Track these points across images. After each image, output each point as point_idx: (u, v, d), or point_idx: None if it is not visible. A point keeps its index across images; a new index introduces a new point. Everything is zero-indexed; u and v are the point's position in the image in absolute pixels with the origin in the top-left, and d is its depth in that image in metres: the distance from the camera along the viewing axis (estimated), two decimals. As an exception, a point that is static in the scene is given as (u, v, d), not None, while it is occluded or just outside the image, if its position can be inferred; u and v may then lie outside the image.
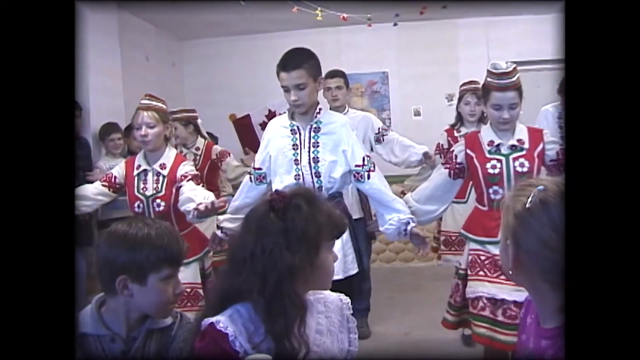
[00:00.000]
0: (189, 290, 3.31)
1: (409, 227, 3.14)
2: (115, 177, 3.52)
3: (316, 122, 3.18)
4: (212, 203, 2.99)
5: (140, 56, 6.78)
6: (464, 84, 4.78)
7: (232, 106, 7.27)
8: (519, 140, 3.16)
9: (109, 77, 5.66)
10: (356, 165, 3.16)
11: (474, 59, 7.05)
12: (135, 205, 3.43)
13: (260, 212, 1.69)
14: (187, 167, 3.44)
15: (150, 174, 3.44)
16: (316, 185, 3.15)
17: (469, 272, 3.24)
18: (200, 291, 3.39)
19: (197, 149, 5.02)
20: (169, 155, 3.47)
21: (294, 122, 3.22)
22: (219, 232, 3.41)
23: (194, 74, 7.97)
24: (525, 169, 3.10)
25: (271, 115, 6.47)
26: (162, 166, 3.43)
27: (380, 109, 7.65)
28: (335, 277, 3.01)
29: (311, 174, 3.16)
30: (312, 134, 3.18)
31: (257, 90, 7.33)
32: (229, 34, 7.70)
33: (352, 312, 1.87)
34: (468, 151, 3.24)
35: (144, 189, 3.42)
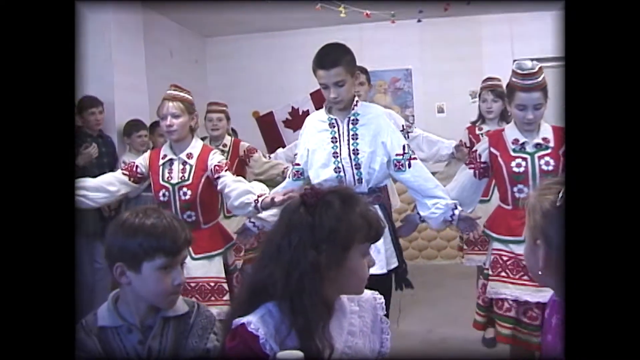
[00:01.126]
0: (212, 284, 3.34)
1: (456, 212, 3.14)
2: (137, 166, 3.50)
3: (354, 115, 3.20)
4: (273, 199, 3.06)
5: (164, 53, 6.82)
6: (483, 81, 4.76)
7: (255, 103, 7.28)
8: (544, 139, 3.13)
9: (134, 75, 5.70)
10: (397, 154, 3.16)
11: (497, 55, 7.00)
12: (161, 194, 3.41)
13: (292, 206, 1.67)
14: (218, 157, 3.45)
15: (176, 163, 3.43)
16: (356, 177, 3.16)
17: (490, 272, 3.23)
18: (225, 285, 3.39)
19: (225, 145, 5.03)
20: (196, 145, 3.47)
21: (331, 116, 3.24)
22: (247, 222, 3.45)
23: (217, 71, 8.00)
24: (550, 168, 3.07)
25: (294, 112, 6.48)
26: (189, 155, 3.42)
27: (403, 106, 7.63)
28: (379, 272, 3.08)
29: (351, 166, 3.17)
30: (351, 126, 3.19)
31: (280, 87, 7.34)
32: (251, 32, 7.71)
33: (385, 312, 1.83)
34: (492, 149, 3.22)
35: (169, 178, 3.41)
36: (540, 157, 3.11)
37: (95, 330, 1.87)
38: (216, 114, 5.05)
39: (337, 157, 3.19)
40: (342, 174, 3.18)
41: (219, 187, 3.36)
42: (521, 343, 3.08)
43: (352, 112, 3.20)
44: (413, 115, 7.61)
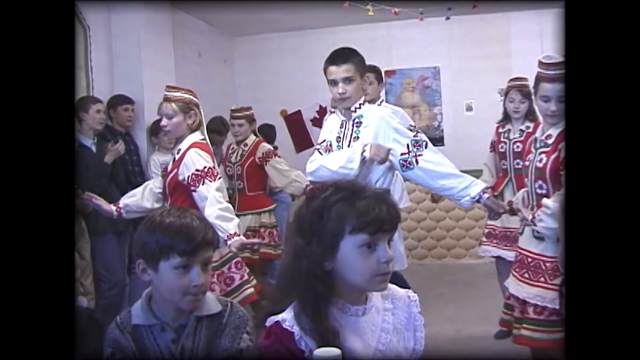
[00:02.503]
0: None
1: (484, 195, 3.12)
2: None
3: (358, 117, 3.25)
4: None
5: (192, 53, 6.86)
6: (510, 80, 4.71)
7: (283, 102, 7.30)
8: (547, 136, 3.04)
9: (163, 74, 5.74)
10: (402, 154, 3.16)
11: (527, 53, 6.92)
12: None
13: (297, 204, 1.70)
14: (195, 158, 3.38)
15: (171, 159, 3.60)
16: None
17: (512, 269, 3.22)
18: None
19: (245, 144, 5.13)
20: (186, 142, 3.51)
21: (342, 117, 3.32)
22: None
23: (245, 71, 8.02)
24: (543, 165, 3.01)
25: (322, 111, 6.50)
26: (178, 151, 3.53)
27: (431, 104, 7.59)
28: (401, 268, 3.15)
29: None
30: (354, 128, 3.23)
31: (307, 86, 7.34)
32: (279, 31, 7.72)
33: (419, 310, 1.78)
34: (525, 146, 3.24)
35: (164, 172, 3.65)
36: (540, 153, 3.05)
37: (129, 328, 1.88)
38: (237, 120, 5.18)
39: None
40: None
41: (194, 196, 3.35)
42: (542, 343, 2.98)
43: (357, 114, 3.25)
44: (441, 114, 7.57)
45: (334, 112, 3.46)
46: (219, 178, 3.39)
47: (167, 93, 3.55)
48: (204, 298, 1.91)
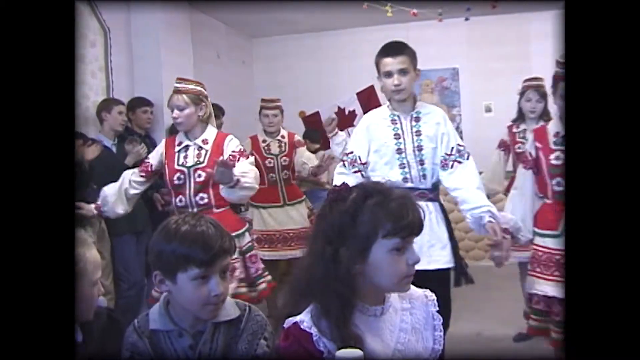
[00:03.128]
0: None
1: (484, 221, 3.03)
2: (151, 165, 3.69)
3: (416, 112, 3.25)
4: None
5: (211, 54, 6.89)
6: (526, 80, 4.71)
7: (301, 103, 7.30)
8: None
9: (182, 75, 5.73)
10: (445, 153, 3.20)
11: (546, 53, 6.87)
12: (175, 177, 3.54)
13: (324, 204, 1.66)
14: (234, 143, 3.58)
15: (191, 149, 3.56)
16: (421, 173, 3.19)
17: (529, 267, 3.26)
18: (237, 265, 3.47)
19: (282, 137, 5.17)
20: (210, 132, 3.60)
21: (394, 112, 3.27)
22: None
23: (263, 72, 8.04)
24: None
25: (340, 112, 6.49)
26: (204, 141, 3.55)
27: (450, 106, 7.56)
28: (445, 266, 3.17)
29: (416, 161, 3.19)
30: (413, 123, 3.23)
31: (326, 87, 7.34)
32: (298, 32, 7.74)
33: (437, 309, 1.77)
34: (536, 144, 3.24)
35: (185, 162, 3.55)
36: (557, 151, 3.11)
37: (147, 333, 1.85)
38: (271, 110, 5.14)
39: (402, 153, 3.21)
40: (407, 169, 3.20)
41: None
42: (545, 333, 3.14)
43: (415, 109, 3.25)
44: (460, 115, 7.54)
45: (380, 108, 3.40)
46: (251, 156, 3.55)
47: (177, 85, 3.59)
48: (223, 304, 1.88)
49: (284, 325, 1.61)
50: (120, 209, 3.68)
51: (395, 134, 3.23)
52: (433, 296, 1.79)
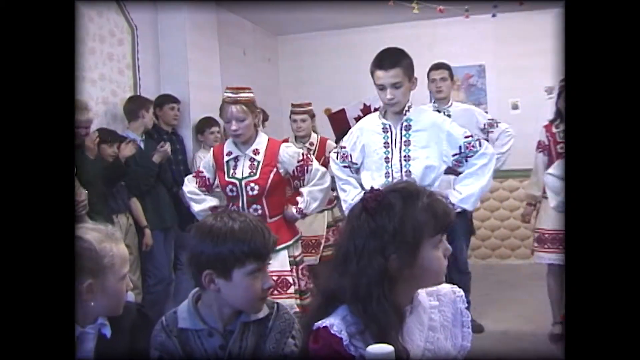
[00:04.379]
0: (276, 278, 3.33)
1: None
2: (208, 178, 3.61)
3: (407, 120, 3.21)
4: None
5: (237, 52, 6.91)
6: (563, 80, 4.61)
7: (326, 100, 7.29)
8: None
9: (208, 72, 5.81)
10: (453, 155, 3.17)
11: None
12: (228, 189, 3.48)
13: (355, 212, 1.63)
14: (293, 150, 3.53)
15: (242, 159, 3.47)
16: None
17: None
18: (289, 278, 3.41)
19: (311, 144, 5.08)
20: (261, 140, 3.49)
21: (385, 121, 3.26)
22: None
23: (289, 69, 8.05)
24: None
25: (366, 109, 6.46)
26: (255, 152, 3.45)
27: (476, 103, 7.48)
28: None
29: (401, 172, 3.17)
30: (404, 132, 3.20)
31: (351, 84, 7.31)
32: (323, 29, 7.73)
33: (466, 305, 1.77)
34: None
35: (234, 173, 3.46)
36: None
37: (176, 332, 1.85)
38: (299, 115, 5.09)
39: (388, 162, 3.21)
40: (390, 179, 3.18)
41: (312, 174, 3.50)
42: None
43: (405, 117, 3.21)
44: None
45: (374, 112, 3.43)
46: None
47: (232, 95, 3.42)
48: None
49: (313, 328, 1.60)
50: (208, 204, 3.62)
51: (384, 143, 3.22)
52: (461, 292, 1.78)
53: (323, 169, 3.54)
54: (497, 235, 7.25)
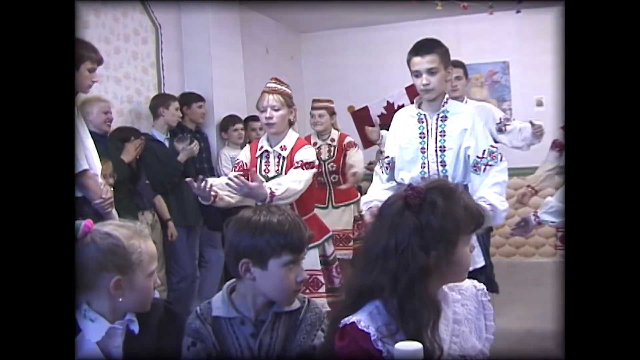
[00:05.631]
0: (307, 276, 3.30)
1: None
2: (245, 163, 3.52)
3: (443, 111, 3.20)
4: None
5: (260, 49, 6.94)
6: None
7: (349, 98, 7.29)
8: None
9: (231, 70, 5.84)
10: (477, 157, 3.14)
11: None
12: None
13: (395, 209, 1.63)
14: (307, 153, 3.40)
15: (271, 156, 3.45)
16: (441, 174, 3.15)
17: None
18: (320, 278, 3.39)
19: (332, 140, 5.11)
20: (291, 137, 3.46)
21: (421, 111, 3.25)
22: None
23: (312, 67, 8.06)
24: None
25: (389, 107, 6.45)
26: (283, 147, 3.42)
27: (500, 100, 7.46)
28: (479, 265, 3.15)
29: (437, 162, 3.17)
30: (439, 122, 3.19)
31: (374, 81, 7.31)
32: (346, 27, 7.73)
33: (488, 298, 1.80)
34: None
35: (267, 171, 3.44)
36: None
37: (210, 320, 1.91)
38: (317, 110, 5.13)
39: (424, 152, 3.20)
40: (426, 169, 3.19)
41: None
42: None
43: (442, 108, 3.21)
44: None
45: (409, 106, 3.39)
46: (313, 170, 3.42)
47: (273, 85, 3.45)
48: None
49: (339, 325, 1.61)
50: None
51: (420, 133, 3.21)
52: (482, 285, 1.81)
53: (307, 177, 3.34)
54: (521, 233, 7.20)
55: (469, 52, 6.54)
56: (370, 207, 3.12)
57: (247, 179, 3.40)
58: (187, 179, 3.18)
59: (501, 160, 3.16)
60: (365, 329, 1.56)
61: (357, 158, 5.13)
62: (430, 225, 1.57)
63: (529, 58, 7.29)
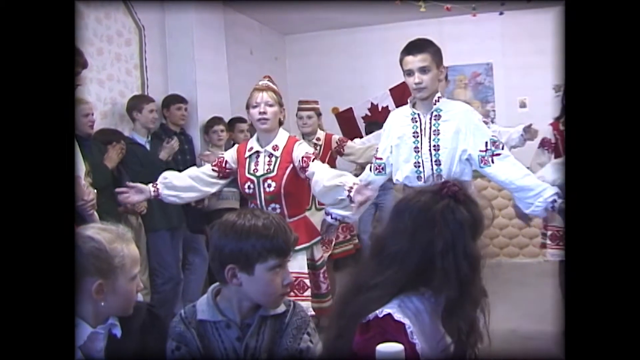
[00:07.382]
0: (293, 279, 3.29)
1: (556, 205, 3.02)
2: (226, 161, 3.51)
3: (436, 110, 3.22)
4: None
5: (244, 51, 6.93)
6: None
7: (334, 99, 7.30)
8: None
9: (216, 72, 5.82)
10: (480, 151, 3.15)
11: (583, 48, 6.78)
12: (246, 186, 3.42)
13: (439, 204, 1.63)
14: (305, 147, 3.41)
15: (262, 155, 3.43)
16: (435, 173, 3.17)
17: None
18: (307, 281, 3.37)
19: (318, 139, 5.09)
20: (282, 137, 3.45)
21: (414, 110, 3.26)
22: (328, 218, 3.49)
23: (296, 68, 8.06)
24: None
25: (373, 108, 6.47)
26: (275, 147, 3.40)
27: (484, 101, 7.50)
28: None
29: (431, 161, 3.19)
30: (433, 121, 3.21)
31: (359, 83, 7.33)
32: (330, 28, 7.73)
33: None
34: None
35: (255, 170, 3.42)
36: None
37: (194, 323, 1.91)
38: (306, 112, 5.09)
39: (418, 151, 3.21)
40: (421, 169, 3.21)
41: (307, 174, 3.31)
42: None
43: (435, 107, 3.22)
44: (494, 110, 7.47)
45: (404, 106, 3.40)
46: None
47: (264, 82, 3.49)
48: None
49: (369, 318, 1.59)
50: (191, 199, 3.62)
51: (414, 132, 3.23)
52: None
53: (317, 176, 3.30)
54: (505, 233, 7.24)
55: (452, 54, 6.56)
56: (356, 186, 2.98)
57: (224, 177, 3.55)
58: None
59: (502, 147, 3.17)
60: (401, 320, 1.56)
61: (356, 147, 5.11)
62: (476, 219, 1.64)
63: (512, 60, 7.34)
